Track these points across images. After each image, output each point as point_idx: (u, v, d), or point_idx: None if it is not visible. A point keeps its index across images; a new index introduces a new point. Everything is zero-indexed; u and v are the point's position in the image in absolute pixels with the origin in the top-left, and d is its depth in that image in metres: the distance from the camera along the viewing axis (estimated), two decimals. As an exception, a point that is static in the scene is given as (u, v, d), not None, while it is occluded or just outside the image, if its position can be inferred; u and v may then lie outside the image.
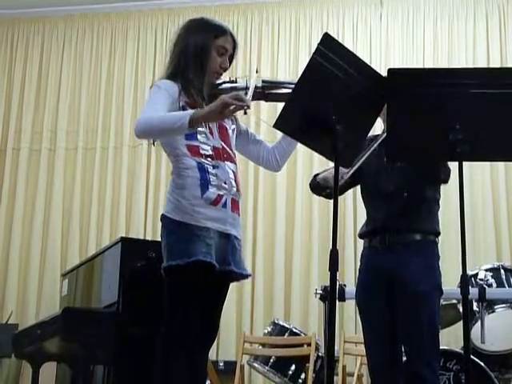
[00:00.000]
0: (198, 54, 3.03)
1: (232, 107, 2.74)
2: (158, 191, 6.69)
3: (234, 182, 3.03)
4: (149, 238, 6.41)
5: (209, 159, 2.97)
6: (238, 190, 3.05)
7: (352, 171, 3.09)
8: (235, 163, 3.08)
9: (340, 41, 2.62)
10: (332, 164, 2.66)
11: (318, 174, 3.37)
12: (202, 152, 2.97)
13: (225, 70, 3.12)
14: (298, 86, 2.56)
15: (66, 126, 7.01)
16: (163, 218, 2.97)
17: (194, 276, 2.84)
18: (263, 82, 3.13)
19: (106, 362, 3.80)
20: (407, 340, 3.14)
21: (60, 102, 7.07)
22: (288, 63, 6.79)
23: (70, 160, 6.93)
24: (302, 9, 6.91)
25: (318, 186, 3.33)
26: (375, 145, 3.15)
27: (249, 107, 2.76)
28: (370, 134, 3.06)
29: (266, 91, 3.12)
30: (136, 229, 6.59)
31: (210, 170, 2.95)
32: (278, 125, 2.57)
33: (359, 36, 6.75)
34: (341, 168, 2.70)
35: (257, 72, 3.12)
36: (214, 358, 5.73)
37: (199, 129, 2.96)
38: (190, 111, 2.82)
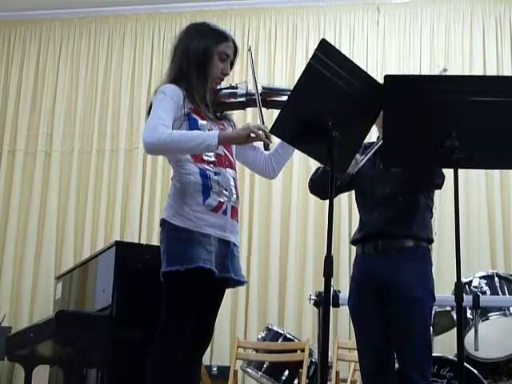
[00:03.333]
0: (201, 60, 3.04)
1: (254, 136, 2.85)
2: (154, 195, 6.68)
3: (234, 189, 3.04)
4: (143, 241, 6.40)
5: (211, 165, 2.98)
6: (237, 198, 3.06)
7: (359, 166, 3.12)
8: (235, 170, 3.09)
9: (337, 47, 2.62)
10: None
11: (313, 177, 3.37)
12: (204, 158, 2.97)
13: (226, 75, 3.13)
14: (294, 91, 2.57)
15: (62, 129, 7.00)
16: (163, 222, 2.98)
17: (193, 282, 2.85)
18: (263, 88, 3.14)
19: (99, 366, 3.80)
20: (399, 347, 3.13)
21: (56, 104, 7.06)
22: (285, 69, 6.80)
23: (66, 163, 6.92)
24: (299, 14, 6.92)
25: (315, 184, 3.33)
26: (376, 147, 3.16)
27: (271, 142, 2.88)
28: (366, 140, 3.07)
29: (266, 98, 3.12)
30: (131, 233, 6.57)
31: (211, 176, 2.96)
32: (274, 130, 2.57)
33: (356, 42, 6.75)
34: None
35: (249, 50, 3.13)
36: (208, 363, 5.73)
37: None
38: (215, 132, 2.86)
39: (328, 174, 3.16)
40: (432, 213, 3.31)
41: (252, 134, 2.85)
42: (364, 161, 3.17)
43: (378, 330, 3.16)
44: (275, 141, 3.10)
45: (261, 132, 2.84)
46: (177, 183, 2.99)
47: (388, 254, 3.17)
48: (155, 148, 2.93)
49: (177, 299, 2.88)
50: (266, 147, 2.90)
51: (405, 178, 3.19)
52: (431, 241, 3.25)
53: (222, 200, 2.96)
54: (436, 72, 3.15)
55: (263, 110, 3.06)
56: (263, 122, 2.95)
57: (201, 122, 3.00)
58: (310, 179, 3.41)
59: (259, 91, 3.10)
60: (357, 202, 3.44)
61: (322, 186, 3.09)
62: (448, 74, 3.00)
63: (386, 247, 3.18)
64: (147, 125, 2.93)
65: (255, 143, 3.28)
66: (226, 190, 2.99)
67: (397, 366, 3.19)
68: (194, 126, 2.98)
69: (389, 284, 3.12)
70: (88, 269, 4.27)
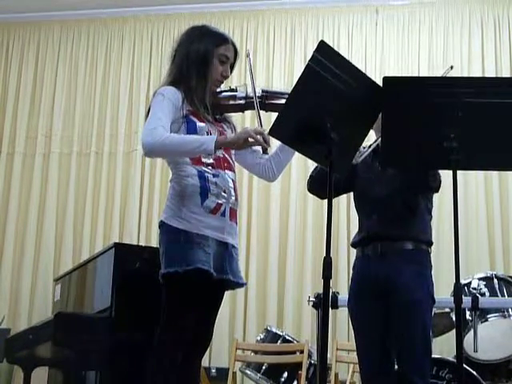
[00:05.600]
0: (200, 62, 3.04)
1: (252, 141, 2.84)
2: (152, 197, 6.67)
3: (232, 191, 3.04)
4: (142, 243, 6.39)
5: (209, 167, 2.98)
6: (236, 199, 3.06)
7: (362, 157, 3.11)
8: (235, 172, 3.10)
9: (335, 48, 2.62)
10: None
11: (312, 175, 3.36)
12: (203, 160, 2.97)
13: (226, 78, 3.13)
14: (293, 93, 2.57)
15: (61, 131, 6.99)
16: (162, 224, 2.97)
17: (191, 283, 2.85)
18: (263, 91, 3.14)
19: (98, 368, 3.80)
20: (399, 348, 3.13)
21: (55, 106, 7.06)
22: (283, 70, 6.79)
23: (65, 165, 6.92)
24: (297, 16, 6.92)
25: (315, 182, 3.32)
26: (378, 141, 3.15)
27: (269, 146, 2.86)
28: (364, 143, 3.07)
29: (265, 101, 3.12)
30: (129, 234, 6.57)
31: (210, 178, 2.96)
32: (273, 132, 2.57)
33: (354, 44, 6.75)
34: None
35: (248, 56, 3.14)
36: (207, 365, 5.72)
37: None
38: (213, 137, 2.87)
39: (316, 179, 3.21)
40: (431, 215, 3.31)
41: (250, 139, 2.84)
42: (367, 152, 3.15)
43: (377, 331, 3.16)
44: (275, 143, 3.10)
45: (259, 136, 2.83)
46: (175, 185, 2.99)
47: (387, 257, 3.17)
48: (154, 150, 2.92)
49: (176, 301, 2.88)
50: (264, 151, 2.89)
51: (403, 181, 3.19)
52: (431, 243, 3.25)
53: (220, 202, 2.96)
54: (436, 73, 3.15)
55: (262, 112, 3.06)
56: (261, 125, 2.95)
57: (199, 124, 3.00)
58: (310, 176, 3.40)
59: (258, 94, 3.10)
60: (355, 205, 3.44)
61: (322, 183, 3.05)
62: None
63: (385, 250, 3.18)
64: (146, 127, 2.92)
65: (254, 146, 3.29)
66: (224, 191, 2.99)
67: (396, 366, 3.20)
68: (192, 128, 2.98)
69: (388, 286, 3.12)
70: (87, 270, 4.27)
